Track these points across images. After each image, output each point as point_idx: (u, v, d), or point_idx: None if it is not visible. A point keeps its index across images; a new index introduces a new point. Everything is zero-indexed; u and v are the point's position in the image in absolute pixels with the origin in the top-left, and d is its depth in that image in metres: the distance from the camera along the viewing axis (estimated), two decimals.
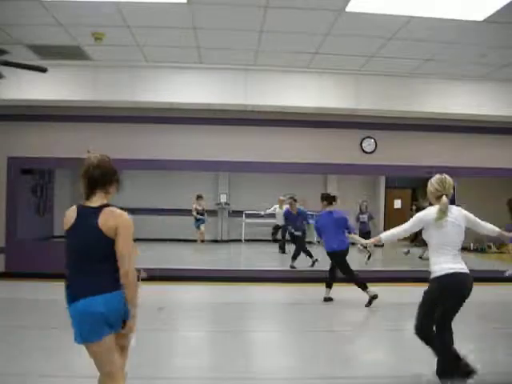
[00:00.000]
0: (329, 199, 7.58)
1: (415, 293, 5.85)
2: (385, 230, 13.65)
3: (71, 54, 7.50)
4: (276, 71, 8.24)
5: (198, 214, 13.34)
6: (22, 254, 8.74)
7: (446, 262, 3.82)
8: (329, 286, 7.36)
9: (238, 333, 5.94)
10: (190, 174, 13.50)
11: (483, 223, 4.09)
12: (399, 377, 4.34)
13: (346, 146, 9.18)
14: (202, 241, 13.74)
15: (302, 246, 10.53)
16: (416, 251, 12.21)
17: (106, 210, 2.93)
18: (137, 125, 8.92)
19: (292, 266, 10.15)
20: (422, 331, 3.94)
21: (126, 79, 8.19)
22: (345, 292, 7.43)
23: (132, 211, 13.70)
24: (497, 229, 4.13)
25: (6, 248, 8.81)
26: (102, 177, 3.04)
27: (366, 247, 8.62)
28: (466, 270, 3.86)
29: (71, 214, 3.00)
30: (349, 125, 9.13)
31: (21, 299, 7.12)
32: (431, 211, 3.90)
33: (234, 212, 16.31)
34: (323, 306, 7.18)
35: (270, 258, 12.32)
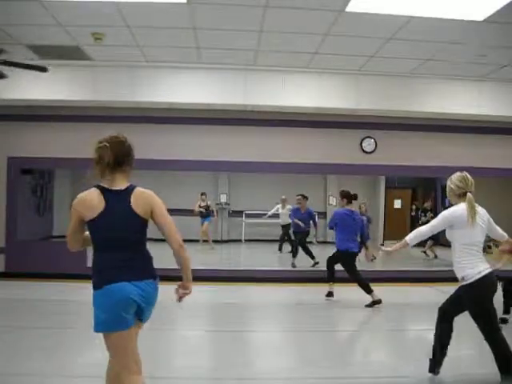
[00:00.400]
0: (349, 197, 7.38)
1: (417, 293, 5.87)
2: (384, 229, 13.70)
3: (71, 53, 7.49)
4: (276, 71, 8.24)
5: (201, 210, 13.34)
6: (22, 254, 8.74)
7: (482, 262, 3.80)
8: (332, 281, 7.32)
9: (238, 333, 5.94)
10: (190, 174, 13.50)
11: (497, 228, 4.06)
12: (400, 377, 4.34)
13: (346, 146, 9.18)
14: (205, 241, 13.69)
15: (302, 244, 10.52)
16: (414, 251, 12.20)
17: (137, 191, 2.84)
18: (137, 125, 8.90)
19: (293, 265, 10.15)
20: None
21: (125, 79, 8.18)
22: (345, 292, 7.43)
23: None
24: (506, 235, 4.10)
25: (5, 248, 8.81)
26: (123, 157, 2.93)
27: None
28: (491, 269, 3.87)
29: (97, 199, 2.80)
30: (349, 125, 9.13)
31: (21, 299, 7.12)
32: (459, 209, 3.80)
33: (233, 212, 16.31)
34: (323, 306, 7.18)
35: (270, 258, 12.33)
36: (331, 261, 7.37)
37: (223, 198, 16.34)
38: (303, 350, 5.18)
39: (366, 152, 9.24)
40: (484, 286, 3.77)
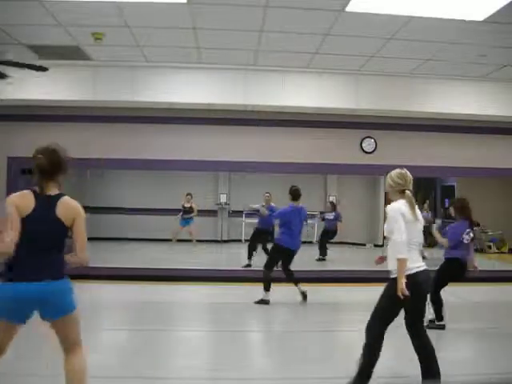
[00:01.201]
0: (293, 194, 7.06)
1: None
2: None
3: (71, 53, 7.50)
4: (276, 71, 8.24)
5: (184, 211, 12.92)
6: None
7: (418, 259, 3.78)
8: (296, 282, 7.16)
9: (238, 333, 5.94)
10: (190, 174, 13.50)
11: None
12: (400, 377, 4.34)
13: (346, 145, 9.18)
14: (196, 240, 13.54)
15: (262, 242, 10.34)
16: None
17: (64, 199, 3.04)
18: (137, 125, 8.92)
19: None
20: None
21: (125, 79, 8.19)
22: (346, 292, 7.43)
23: (132, 211, 13.75)
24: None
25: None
26: (55, 167, 3.11)
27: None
28: (426, 267, 3.83)
29: (30, 200, 2.99)
30: (349, 125, 9.13)
31: None
32: (401, 205, 3.76)
33: (233, 212, 16.30)
34: (323, 306, 7.17)
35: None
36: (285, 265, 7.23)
37: (223, 198, 16.32)
38: (303, 350, 5.18)
39: (366, 152, 9.25)
40: (418, 281, 3.71)
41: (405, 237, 3.69)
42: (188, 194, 13.06)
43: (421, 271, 3.74)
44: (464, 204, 5.88)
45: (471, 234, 5.76)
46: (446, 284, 5.78)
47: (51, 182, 3.07)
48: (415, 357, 3.96)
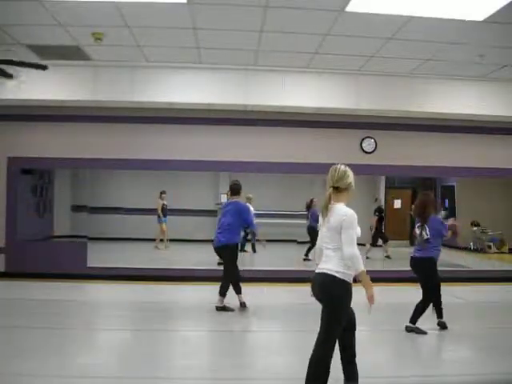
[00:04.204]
0: (232, 190, 7.34)
1: (416, 293, 5.88)
2: (384, 229, 13.64)
3: (71, 53, 7.49)
4: (276, 71, 8.24)
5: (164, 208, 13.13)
6: (22, 254, 8.74)
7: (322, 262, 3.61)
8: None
9: (238, 333, 5.94)
10: (190, 174, 13.49)
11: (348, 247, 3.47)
12: (400, 377, 4.34)
13: (346, 146, 9.18)
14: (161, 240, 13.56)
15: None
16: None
17: None
18: (137, 125, 8.92)
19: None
20: None
21: (125, 79, 8.19)
22: None
23: (132, 211, 13.75)
24: (360, 267, 3.47)
25: (5, 248, 8.81)
26: None
27: None
28: (324, 271, 3.54)
29: None
30: (349, 125, 9.13)
31: (20, 299, 7.12)
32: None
33: None
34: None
35: (269, 258, 12.31)
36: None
37: (223, 198, 16.31)
38: (303, 350, 5.17)
39: (366, 152, 9.25)
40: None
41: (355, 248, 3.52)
42: (164, 192, 13.21)
43: (316, 274, 3.64)
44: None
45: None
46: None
47: None
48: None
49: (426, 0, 5.38)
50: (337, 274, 3.48)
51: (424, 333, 5.63)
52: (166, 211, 13.29)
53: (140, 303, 7.21)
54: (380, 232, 12.60)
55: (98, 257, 9.44)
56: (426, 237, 5.78)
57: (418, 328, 5.68)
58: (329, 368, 3.54)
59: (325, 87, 8.44)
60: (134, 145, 8.89)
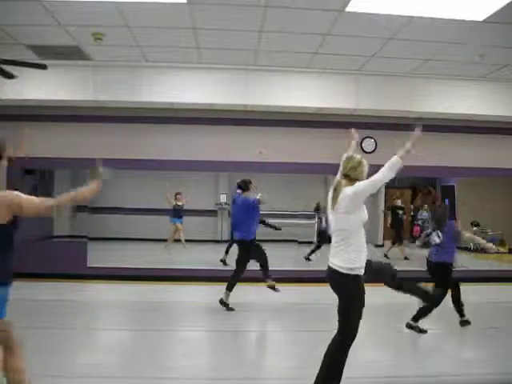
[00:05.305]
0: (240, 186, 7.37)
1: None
2: (384, 229, 13.64)
3: (71, 53, 7.49)
4: (276, 71, 8.24)
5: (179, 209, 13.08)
6: (22, 254, 8.73)
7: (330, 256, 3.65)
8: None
9: (238, 333, 5.94)
10: (190, 174, 13.49)
11: (379, 176, 3.73)
12: (400, 377, 4.34)
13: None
14: (177, 240, 13.50)
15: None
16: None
17: None
18: (136, 125, 8.92)
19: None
20: None
21: (125, 79, 8.18)
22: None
23: (132, 211, 13.72)
24: (398, 155, 3.79)
25: None
26: None
27: None
28: (331, 265, 3.60)
29: None
30: (349, 125, 9.06)
31: (21, 299, 7.10)
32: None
33: None
34: (322, 306, 7.17)
35: (269, 258, 12.30)
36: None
37: (223, 198, 16.33)
38: (303, 350, 5.18)
39: (366, 152, 9.24)
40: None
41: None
42: (179, 193, 13.15)
43: (327, 267, 3.67)
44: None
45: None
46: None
47: None
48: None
49: (426, 0, 5.38)
50: (341, 270, 3.50)
51: (424, 331, 5.65)
52: (179, 212, 13.21)
53: (140, 303, 7.21)
54: (395, 231, 12.49)
55: (98, 257, 9.45)
56: (437, 241, 5.87)
57: (418, 327, 5.70)
58: (343, 367, 3.56)
59: (325, 87, 8.44)
60: (134, 145, 8.89)
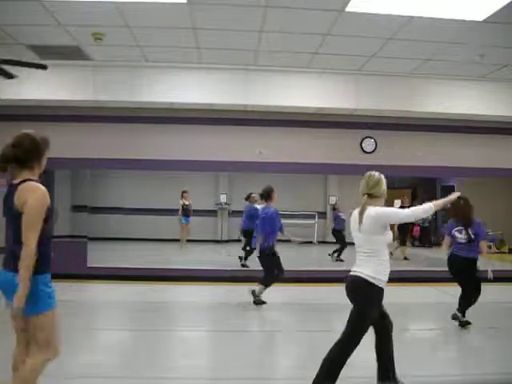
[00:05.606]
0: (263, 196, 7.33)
1: (417, 293, 5.91)
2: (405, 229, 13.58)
3: (71, 54, 7.49)
4: (276, 71, 8.24)
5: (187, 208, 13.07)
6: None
7: (355, 266, 3.74)
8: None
9: (238, 333, 5.94)
10: (190, 174, 13.49)
11: (405, 213, 3.74)
12: (400, 377, 4.33)
13: (346, 145, 9.18)
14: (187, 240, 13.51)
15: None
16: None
17: (23, 185, 2.94)
18: (137, 125, 8.92)
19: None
20: None
21: (125, 79, 8.18)
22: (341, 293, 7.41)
23: (132, 211, 13.71)
24: (430, 204, 3.64)
25: (6, 248, 8.79)
26: (25, 154, 3.03)
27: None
28: (356, 273, 3.66)
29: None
30: (349, 125, 9.13)
31: None
32: (355, 212, 3.80)
33: (233, 212, 16.31)
34: (322, 307, 7.18)
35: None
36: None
37: (223, 198, 16.34)
38: (303, 350, 5.18)
39: (366, 152, 9.24)
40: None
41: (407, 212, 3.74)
42: (186, 192, 13.10)
43: (349, 275, 3.75)
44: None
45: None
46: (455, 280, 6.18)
47: (19, 170, 3.00)
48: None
49: (426, 0, 5.38)
50: (369, 278, 3.60)
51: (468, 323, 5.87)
52: (187, 211, 13.13)
53: (140, 303, 7.21)
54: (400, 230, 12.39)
55: (98, 257, 9.45)
56: (471, 237, 6.00)
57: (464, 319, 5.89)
58: (341, 368, 3.62)
59: (325, 87, 8.44)
60: (133, 145, 8.88)
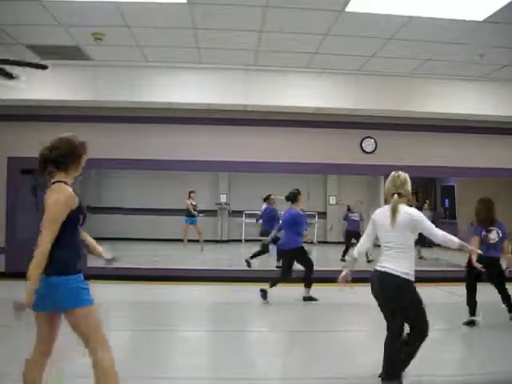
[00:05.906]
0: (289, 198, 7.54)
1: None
2: None
3: (71, 53, 7.50)
4: (276, 71, 8.24)
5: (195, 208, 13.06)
6: (22, 254, 8.71)
7: (383, 259, 3.83)
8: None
9: (238, 333, 5.94)
10: (190, 174, 13.51)
11: (437, 232, 3.80)
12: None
13: (346, 145, 9.18)
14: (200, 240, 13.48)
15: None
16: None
17: (52, 186, 3.07)
18: (137, 125, 8.92)
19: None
20: None
21: (125, 79, 8.19)
22: (341, 292, 7.41)
23: (132, 211, 13.73)
24: (457, 240, 3.76)
25: (6, 248, 8.81)
26: (59, 157, 3.11)
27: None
28: (386, 269, 3.74)
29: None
30: (349, 125, 9.13)
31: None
32: (380, 210, 3.93)
33: (233, 212, 16.32)
34: (322, 306, 7.18)
35: (270, 258, 12.31)
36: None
37: (223, 198, 16.34)
38: (303, 350, 5.18)
39: (366, 152, 9.25)
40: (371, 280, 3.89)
41: (362, 240, 4.02)
42: (193, 192, 13.06)
43: (374, 271, 3.85)
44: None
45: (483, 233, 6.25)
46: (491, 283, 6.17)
47: (56, 172, 3.10)
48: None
49: (426, 0, 5.38)
50: (403, 275, 3.68)
51: None
52: (194, 212, 13.08)
53: (140, 303, 7.21)
54: None
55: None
56: (499, 236, 6.14)
57: None
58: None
59: (325, 87, 8.44)
60: (134, 145, 8.88)
